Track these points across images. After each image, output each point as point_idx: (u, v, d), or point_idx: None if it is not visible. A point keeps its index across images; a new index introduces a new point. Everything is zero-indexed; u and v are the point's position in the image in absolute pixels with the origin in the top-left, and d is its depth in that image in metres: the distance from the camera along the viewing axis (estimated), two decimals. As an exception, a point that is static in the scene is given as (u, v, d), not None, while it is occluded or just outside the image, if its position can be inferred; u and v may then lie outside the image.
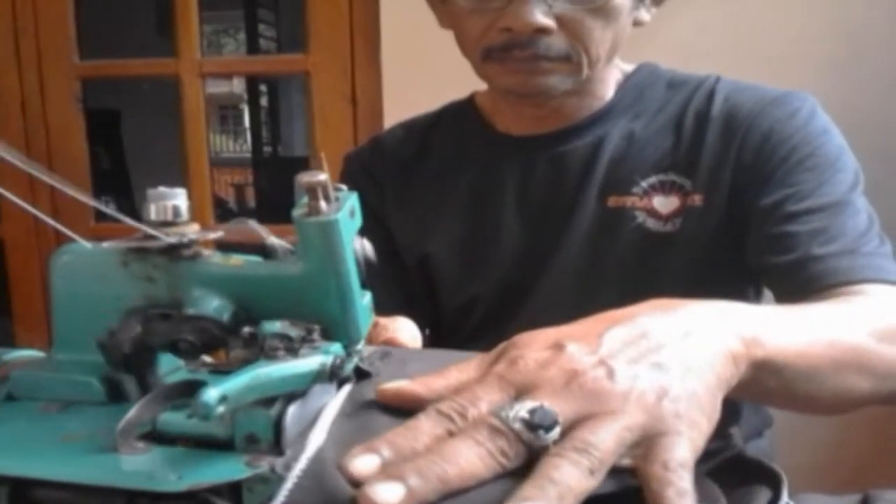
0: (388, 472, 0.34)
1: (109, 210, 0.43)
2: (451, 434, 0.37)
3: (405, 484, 0.33)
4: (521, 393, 0.39)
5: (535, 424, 0.36)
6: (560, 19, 0.75)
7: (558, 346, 0.42)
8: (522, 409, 0.36)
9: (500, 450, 0.36)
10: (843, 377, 0.58)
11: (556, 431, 0.36)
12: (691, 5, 1.34)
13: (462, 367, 0.44)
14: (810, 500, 0.61)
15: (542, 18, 0.74)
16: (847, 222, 0.74)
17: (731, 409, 0.87)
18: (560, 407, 0.37)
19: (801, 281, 0.72)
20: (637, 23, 0.83)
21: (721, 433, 0.88)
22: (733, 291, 0.59)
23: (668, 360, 0.42)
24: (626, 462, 0.37)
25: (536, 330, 0.45)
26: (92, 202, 0.45)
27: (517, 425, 0.36)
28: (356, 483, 0.34)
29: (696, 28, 1.36)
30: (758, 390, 0.52)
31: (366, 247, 0.46)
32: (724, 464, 0.62)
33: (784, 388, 0.53)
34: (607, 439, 0.36)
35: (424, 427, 0.37)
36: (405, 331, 0.61)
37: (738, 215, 0.79)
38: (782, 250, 0.74)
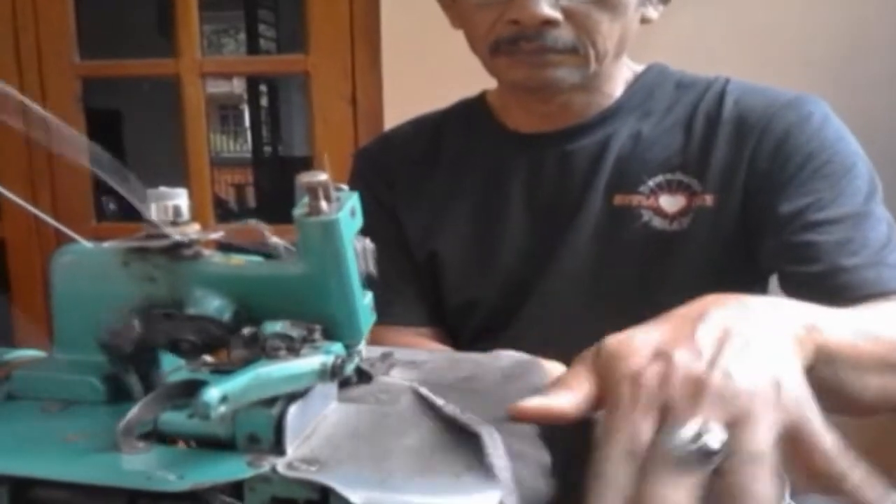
0: None
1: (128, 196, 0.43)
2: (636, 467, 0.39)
3: None
4: (662, 413, 0.40)
5: (708, 451, 0.38)
6: (566, 11, 0.76)
7: (663, 355, 0.42)
8: (684, 436, 0.38)
9: (694, 484, 0.37)
10: (889, 374, 0.58)
11: (724, 449, 0.38)
12: (694, 5, 1.34)
13: (575, 376, 0.44)
14: (812, 500, 0.61)
15: (549, 10, 0.74)
16: (869, 234, 0.75)
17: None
18: (711, 424, 0.39)
19: (829, 291, 0.72)
20: (644, 20, 0.84)
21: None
22: (741, 293, 0.61)
23: (762, 352, 0.43)
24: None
25: (620, 334, 0.46)
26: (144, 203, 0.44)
27: (693, 457, 0.38)
28: None
29: (698, 28, 1.36)
30: (812, 380, 0.50)
31: (367, 247, 0.46)
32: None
33: (834, 379, 0.53)
34: (767, 441, 0.39)
35: (619, 473, 0.39)
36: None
37: (751, 219, 0.80)
38: (807, 260, 0.75)
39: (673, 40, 1.30)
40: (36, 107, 0.42)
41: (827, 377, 0.52)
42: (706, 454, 0.38)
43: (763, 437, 0.39)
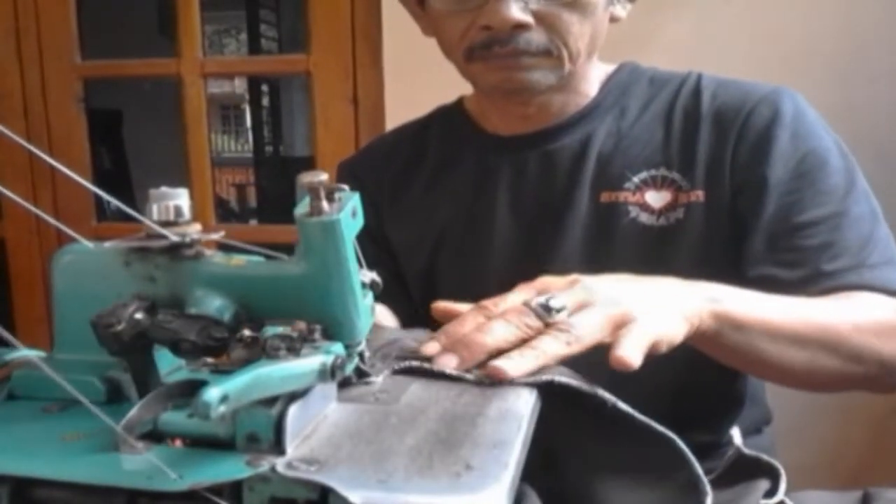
0: (448, 348, 0.51)
1: (124, 207, 0.43)
2: (489, 319, 0.53)
3: (459, 355, 0.50)
4: (540, 293, 0.55)
5: (549, 307, 0.53)
6: (537, 15, 0.77)
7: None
8: (541, 298, 0.53)
9: (525, 324, 0.52)
10: (808, 350, 0.66)
11: (564, 313, 0.53)
12: (694, 7, 1.34)
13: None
14: (811, 497, 0.61)
15: (519, 14, 0.76)
16: (848, 234, 0.76)
17: (731, 402, 0.88)
18: (566, 298, 0.54)
19: (813, 295, 0.73)
20: (613, 19, 0.85)
21: (720, 431, 0.89)
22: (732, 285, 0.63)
23: (635, 284, 0.60)
24: (608, 340, 0.53)
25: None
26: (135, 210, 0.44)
27: (537, 308, 0.53)
28: (429, 359, 0.50)
29: (699, 30, 1.36)
30: (722, 343, 0.64)
31: (374, 278, 0.46)
32: (724, 462, 0.62)
33: (748, 345, 0.64)
34: (586, 323, 0.53)
35: (468, 318, 0.55)
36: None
37: (737, 218, 0.80)
38: (790, 264, 0.76)
39: (674, 43, 1.30)
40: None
41: (739, 342, 0.64)
42: (545, 308, 0.53)
43: (586, 319, 0.53)
